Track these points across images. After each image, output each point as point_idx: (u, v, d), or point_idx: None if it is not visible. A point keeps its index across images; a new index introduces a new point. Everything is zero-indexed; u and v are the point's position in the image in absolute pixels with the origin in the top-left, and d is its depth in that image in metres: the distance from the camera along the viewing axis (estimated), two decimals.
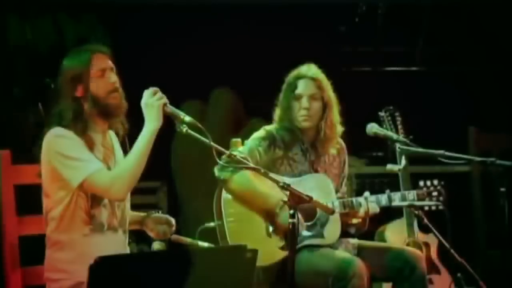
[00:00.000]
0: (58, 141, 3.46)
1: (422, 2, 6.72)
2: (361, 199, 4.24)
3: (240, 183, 4.11)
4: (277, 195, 4.00)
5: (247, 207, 4.14)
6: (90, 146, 3.51)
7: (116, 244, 3.58)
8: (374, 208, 4.25)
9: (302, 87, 4.25)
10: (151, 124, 3.46)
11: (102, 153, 3.57)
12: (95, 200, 3.52)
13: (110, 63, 3.59)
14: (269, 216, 4.11)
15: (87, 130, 3.52)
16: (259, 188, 4.09)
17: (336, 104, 4.31)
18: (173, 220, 3.74)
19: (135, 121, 3.62)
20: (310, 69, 4.30)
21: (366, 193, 4.28)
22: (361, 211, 4.21)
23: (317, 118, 4.27)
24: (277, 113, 4.34)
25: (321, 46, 6.45)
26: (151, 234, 3.73)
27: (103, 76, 3.55)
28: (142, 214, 3.78)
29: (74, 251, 3.49)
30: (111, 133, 3.69)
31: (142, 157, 3.45)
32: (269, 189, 4.04)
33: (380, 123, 4.83)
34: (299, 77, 4.27)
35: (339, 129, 4.32)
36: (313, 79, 4.25)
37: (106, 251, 3.36)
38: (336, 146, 4.38)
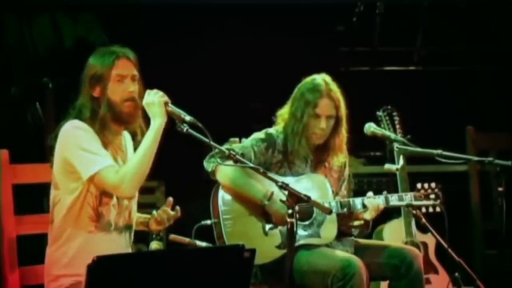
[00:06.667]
0: (75, 132, 3.47)
1: (420, 2, 6.72)
2: (368, 199, 4.24)
3: (225, 173, 4.10)
4: (263, 188, 4.04)
5: (238, 198, 4.14)
6: (104, 145, 3.52)
7: (119, 245, 3.58)
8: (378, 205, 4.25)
9: (322, 108, 4.20)
10: (156, 121, 3.47)
11: (114, 153, 3.58)
12: (104, 198, 3.53)
13: (133, 71, 3.58)
14: (261, 208, 4.11)
15: (104, 129, 3.53)
16: (245, 179, 4.09)
17: (346, 117, 4.30)
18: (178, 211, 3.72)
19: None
20: (328, 86, 4.23)
21: (370, 193, 4.28)
22: (371, 210, 4.21)
23: (329, 134, 4.27)
24: (289, 121, 4.27)
25: (319, 46, 6.45)
26: (153, 227, 3.73)
27: (122, 82, 3.54)
28: (147, 215, 3.78)
29: (77, 247, 3.50)
30: (126, 134, 3.70)
31: (149, 154, 3.45)
32: (256, 181, 4.06)
33: (378, 122, 4.83)
34: (320, 96, 4.20)
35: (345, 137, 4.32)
36: (333, 100, 4.22)
37: (109, 250, 3.39)
38: (343, 160, 4.38)
